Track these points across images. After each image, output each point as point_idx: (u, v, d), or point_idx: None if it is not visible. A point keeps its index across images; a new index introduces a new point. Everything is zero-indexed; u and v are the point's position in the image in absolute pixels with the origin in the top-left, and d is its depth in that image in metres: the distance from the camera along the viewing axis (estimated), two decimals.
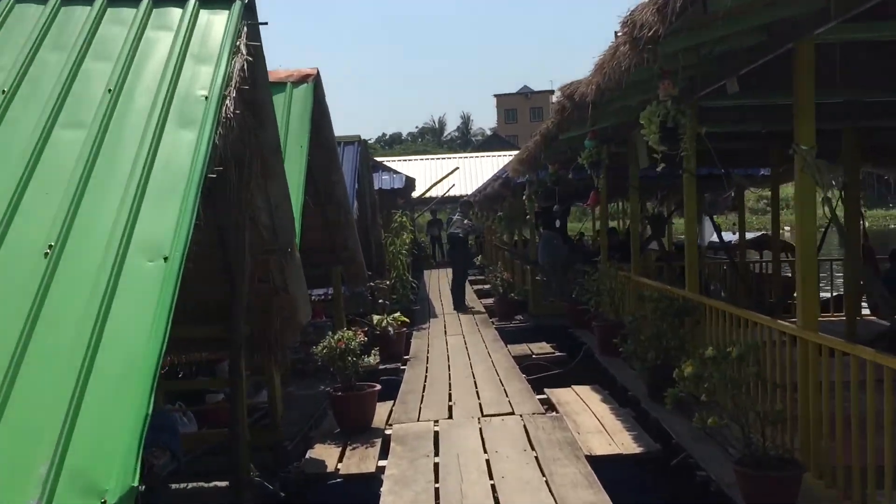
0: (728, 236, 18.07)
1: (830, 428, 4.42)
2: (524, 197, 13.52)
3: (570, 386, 7.99)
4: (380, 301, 10.60)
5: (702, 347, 5.13)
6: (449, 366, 9.76)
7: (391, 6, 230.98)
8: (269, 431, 6.43)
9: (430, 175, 27.53)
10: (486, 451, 5.92)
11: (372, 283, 10.65)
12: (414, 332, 12.82)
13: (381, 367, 10.09)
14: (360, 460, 5.94)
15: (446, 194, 27.84)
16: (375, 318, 10.34)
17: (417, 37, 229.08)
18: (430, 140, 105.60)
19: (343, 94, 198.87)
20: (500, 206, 20.93)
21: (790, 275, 13.35)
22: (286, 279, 5.90)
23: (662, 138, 4.30)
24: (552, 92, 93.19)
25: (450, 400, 7.79)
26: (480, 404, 7.46)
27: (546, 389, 7.91)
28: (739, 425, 4.51)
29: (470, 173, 29.68)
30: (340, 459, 6.00)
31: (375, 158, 21.53)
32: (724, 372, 4.36)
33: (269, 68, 4.89)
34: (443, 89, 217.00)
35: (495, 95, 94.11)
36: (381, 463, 5.89)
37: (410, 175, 21.30)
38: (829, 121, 7.75)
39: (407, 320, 10.79)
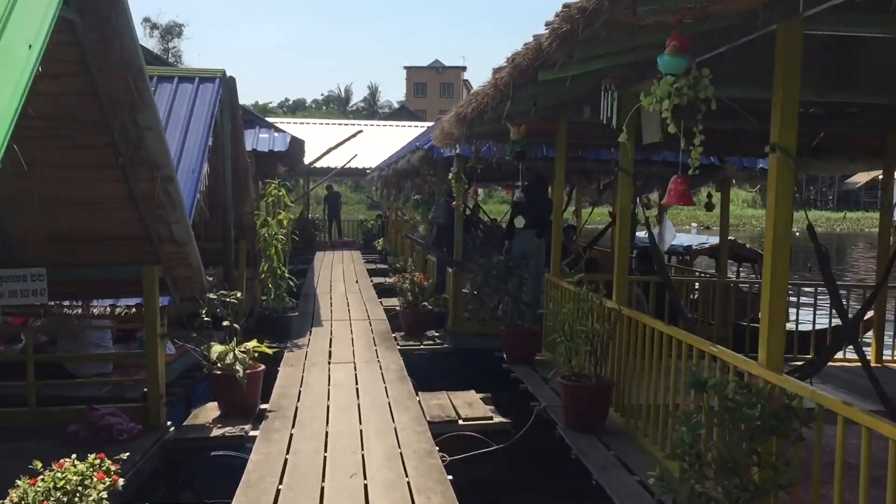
0: (690, 238, 14.86)
1: None
2: (450, 176, 9.92)
3: None
4: (224, 323, 6.75)
5: None
6: (327, 437, 6.09)
7: None
8: None
9: (329, 143, 23.37)
10: None
11: (213, 295, 6.76)
12: (286, 353, 9.10)
13: (217, 429, 6.36)
14: None
15: (347, 165, 23.83)
16: (215, 349, 6.54)
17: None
18: (336, 109, 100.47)
19: (244, 55, 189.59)
20: (411, 183, 17.19)
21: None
22: None
23: None
24: (464, 69, 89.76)
25: None
26: None
27: None
28: None
29: (375, 143, 25.62)
30: None
31: (254, 112, 17.34)
32: None
33: None
34: (351, 57, 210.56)
35: (405, 67, 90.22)
36: None
37: (303, 139, 17.11)
38: None
39: (268, 351, 7.01)
